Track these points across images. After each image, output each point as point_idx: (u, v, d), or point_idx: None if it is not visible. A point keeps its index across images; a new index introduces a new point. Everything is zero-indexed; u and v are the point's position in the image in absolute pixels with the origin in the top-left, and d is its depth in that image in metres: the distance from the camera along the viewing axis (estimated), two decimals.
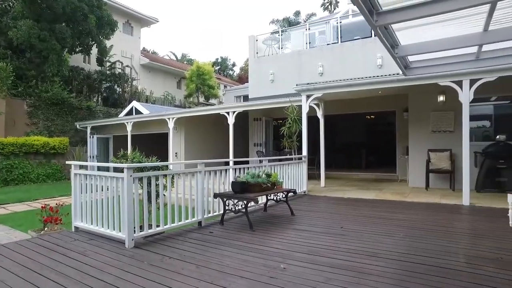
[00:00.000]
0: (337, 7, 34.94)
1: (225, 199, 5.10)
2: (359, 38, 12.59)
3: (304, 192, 8.23)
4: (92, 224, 4.50)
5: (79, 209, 4.66)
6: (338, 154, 14.90)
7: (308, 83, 8.26)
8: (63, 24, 16.28)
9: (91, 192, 4.54)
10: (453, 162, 8.26)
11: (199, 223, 5.12)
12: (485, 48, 5.19)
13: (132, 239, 4.04)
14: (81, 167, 4.91)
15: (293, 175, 7.77)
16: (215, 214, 5.46)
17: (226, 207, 5.10)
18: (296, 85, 8.39)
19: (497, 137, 8.39)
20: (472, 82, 6.41)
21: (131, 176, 4.04)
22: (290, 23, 33.66)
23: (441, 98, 8.71)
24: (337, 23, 13.57)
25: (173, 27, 78.01)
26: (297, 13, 37.04)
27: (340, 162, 14.14)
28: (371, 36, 11.82)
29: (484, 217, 5.53)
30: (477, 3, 3.05)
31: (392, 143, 11.82)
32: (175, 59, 35.86)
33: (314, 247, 3.99)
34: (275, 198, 5.82)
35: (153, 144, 15.71)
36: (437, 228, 4.86)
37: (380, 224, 5.11)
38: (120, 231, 4.14)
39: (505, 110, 8.81)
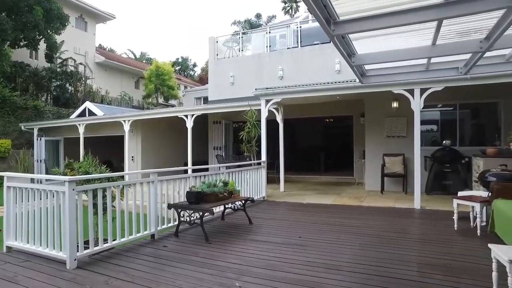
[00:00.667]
0: (298, 11, 35.51)
1: (179, 210, 4.86)
2: (318, 43, 12.81)
3: (263, 197, 8.17)
4: (28, 243, 4.05)
5: (12, 226, 4.17)
6: (298, 158, 15.08)
7: (267, 88, 8.21)
8: (3, 14, 14.91)
9: (28, 206, 4.10)
10: (406, 166, 8.62)
11: (152, 236, 4.83)
12: (433, 60, 5.43)
13: (75, 259, 3.69)
14: (15, 178, 4.41)
15: (252, 181, 7.67)
16: (170, 225, 5.20)
17: (181, 218, 4.87)
18: (256, 89, 8.31)
19: (444, 142, 8.89)
20: (423, 91, 6.70)
21: (73, 189, 3.69)
22: (251, 25, 33.73)
23: (395, 104, 9.05)
24: (297, 27, 13.73)
25: (132, 25, 75.35)
26: (259, 16, 37.22)
27: (300, 165, 14.30)
28: (330, 42, 12.05)
29: (433, 221, 5.77)
30: (426, 19, 3.12)
31: (350, 147, 12.14)
32: (133, 57, 34.46)
33: (272, 260, 3.88)
34: (232, 206, 5.67)
35: (108, 147, 14.93)
36: (391, 234, 4.97)
37: (338, 232, 5.14)
38: (61, 250, 3.77)
39: (449, 116, 9.34)
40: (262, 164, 8.22)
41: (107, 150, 14.57)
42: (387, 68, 6.02)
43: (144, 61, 35.03)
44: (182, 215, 4.85)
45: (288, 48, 13.64)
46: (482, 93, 8.53)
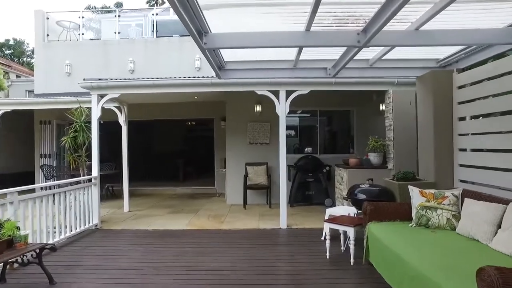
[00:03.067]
0: (164, 4, 33.15)
1: None
2: (177, 36, 11.22)
3: (96, 226, 6.04)
4: None
5: None
6: (154, 166, 13.08)
7: (99, 79, 6.13)
8: None
9: None
10: (270, 177, 7.87)
11: None
12: (302, 57, 4.60)
13: None
14: None
15: (78, 205, 5.49)
16: None
17: None
18: (84, 79, 6.11)
19: (306, 150, 8.57)
20: (289, 94, 5.92)
21: None
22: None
23: (258, 108, 8.26)
24: (153, 14, 11.82)
25: None
26: (119, 5, 33.19)
27: (156, 175, 12.39)
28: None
29: (302, 247, 4.88)
30: None
31: (212, 154, 10.96)
32: None
33: None
34: (21, 260, 3.51)
35: None
36: (254, 270, 3.79)
37: (186, 279, 3.66)
38: None
39: (310, 123, 9.17)
40: (93, 180, 6.07)
41: None
42: (250, 62, 4.92)
43: None
44: None
45: (142, 38, 11.58)
46: (341, 100, 8.54)
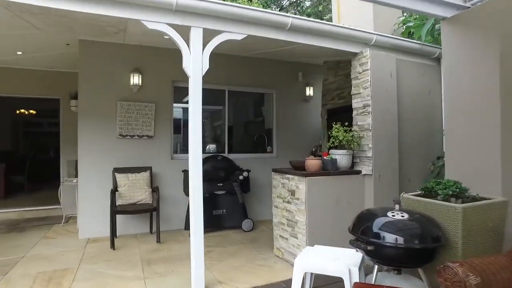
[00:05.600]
0: None
1: None
2: None
3: None
4: None
5: None
6: None
7: None
8: None
9: None
10: (156, 191, 4.82)
11: None
12: None
13: None
14: None
15: None
16: None
17: None
18: None
19: (208, 147, 5.89)
20: (208, 36, 3.11)
21: None
22: None
23: (136, 79, 5.11)
24: None
25: None
26: None
27: None
28: None
29: None
30: None
31: (58, 154, 7.01)
32: None
33: None
34: None
35: None
36: None
37: None
38: None
39: (211, 109, 6.51)
40: None
41: None
42: None
43: None
44: None
45: None
46: (257, 78, 6.13)
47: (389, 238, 2.10)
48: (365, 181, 3.85)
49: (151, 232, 5.06)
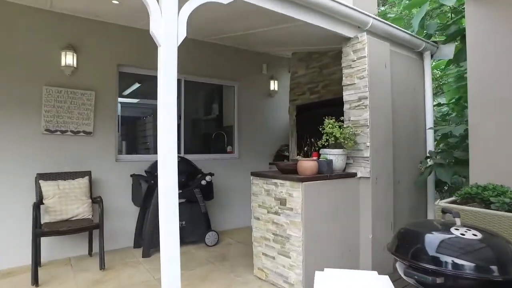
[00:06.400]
0: None
1: None
2: None
3: None
4: None
5: None
6: None
7: None
8: None
9: None
10: (99, 202, 3.75)
11: None
12: None
13: None
14: None
15: None
16: None
17: None
18: None
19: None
20: None
21: None
22: None
23: (69, 58, 3.99)
24: None
25: None
26: None
27: None
28: None
29: None
30: None
31: None
32: None
33: None
34: None
35: None
36: None
37: None
38: None
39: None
40: None
41: None
42: None
43: None
44: None
45: None
46: (217, 67, 5.36)
47: (468, 267, 1.56)
48: (360, 185, 3.36)
49: (90, 254, 3.98)
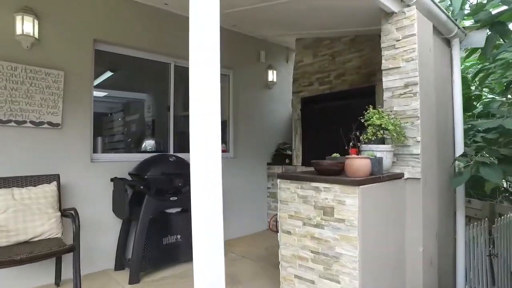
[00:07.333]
0: None
1: None
2: None
3: None
4: None
5: None
6: None
7: None
8: None
9: None
10: (74, 216, 2.84)
11: None
12: None
13: None
14: None
15: None
16: None
17: None
18: None
19: (144, 144, 4.15)
20: None
21: None
22: None
23: (28, 26, 3.03)
24: None
25: None
26: None
27: None
28: None
29: None
30: None
31: None
32: None
33: None
34: None
35: None
36: None
37: None
38: None
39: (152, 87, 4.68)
40: None
41: None
42: None
43: None
44: None
45: None
46: None
47: None
48: (406, 187, 2.80)
49: (57, 283, 3.04)
